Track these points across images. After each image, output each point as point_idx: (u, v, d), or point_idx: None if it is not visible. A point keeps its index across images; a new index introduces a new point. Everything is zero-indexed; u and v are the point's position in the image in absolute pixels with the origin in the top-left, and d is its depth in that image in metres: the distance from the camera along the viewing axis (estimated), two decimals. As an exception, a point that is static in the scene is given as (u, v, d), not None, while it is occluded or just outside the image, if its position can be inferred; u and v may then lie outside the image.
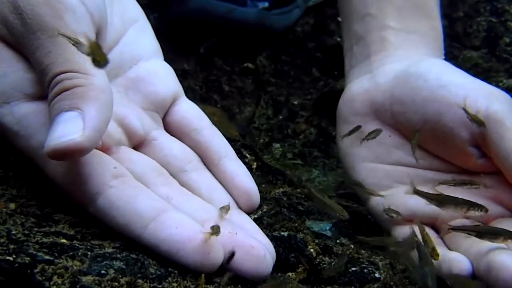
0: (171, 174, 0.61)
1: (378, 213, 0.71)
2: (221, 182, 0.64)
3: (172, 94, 0.66)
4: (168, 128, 0.66)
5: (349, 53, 0.78)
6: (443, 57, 0.77)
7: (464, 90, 0.66)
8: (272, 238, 0.60)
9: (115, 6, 0.64)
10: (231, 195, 0.63)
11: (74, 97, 0.51)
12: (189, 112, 0.67)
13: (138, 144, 0.63)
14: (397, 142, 0.71)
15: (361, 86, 0.74)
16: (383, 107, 0.71)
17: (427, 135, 0.68)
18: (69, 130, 0.49)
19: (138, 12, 0.68)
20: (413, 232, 0.60)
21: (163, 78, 0.66)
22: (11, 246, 0.48)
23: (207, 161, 0.65)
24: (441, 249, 0.62)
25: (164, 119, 0.66)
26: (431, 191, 0.66)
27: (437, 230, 0.67)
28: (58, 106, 0.51)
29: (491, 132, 0.64)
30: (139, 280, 0.48)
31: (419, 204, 0.67)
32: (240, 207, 0.63)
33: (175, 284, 0.49)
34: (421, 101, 0.68)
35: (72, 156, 0.50)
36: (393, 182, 0.70)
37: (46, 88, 0.53)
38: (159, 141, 0.64)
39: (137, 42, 0.65)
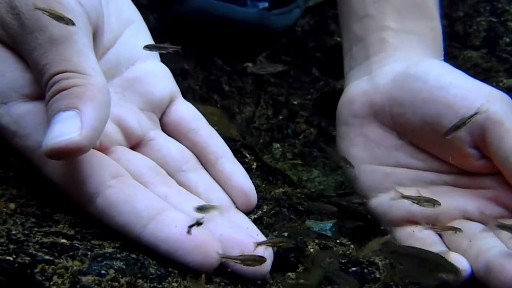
0: (168, 174, 0.61)
1: (377, 214, 0.71)
2: (219, 182, 0.64)
3: (169, 94, 0.67)
4: (165, 129, 0.66)
5: (348, 54, 0.78)
6: (443, 57, 0.77)
7: (463, 91, 0.66)
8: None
9: (111, 7, 0.64)
10: (228, 195, 0.63)
11: (72, 97, 0.51)
12: (186, 113, 0.67)
13: (136, 144, 0.63)
14: (396, 143, 0.71)
15: (360, 87, 0.73)
16: (383, 109, 0.71)
17: (426, 136, 0.68)
18: (66, 129, 0.49)
19: (134, 13, 0.68)
20: None
21: (160, 79, 0.67)
22: (11, 246, 0.48)
23: (205, 161, 0.65)
24: (441, 250, 0.63)
25: (161, 120, 0.66)
26: (430, 193, 0.66)
27: (436, 230, 0.67)
28: (55, 106, 0.51)
29: (491, 133, 0.64)
30: (139, 280, 0.48)
31: (419, 206, 0.67)
32: (237, 207, 0.63)
33: (175, 284, 0.49)
34: (421, 102, 0.68)
35: (70, 155, 0.50)
36: (393, 183, 0.70)
37: (44, 88, 0.53)
38: (157, 141, 0.64)
39: (134, 43, 0.65)
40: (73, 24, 0.53)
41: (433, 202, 0.63)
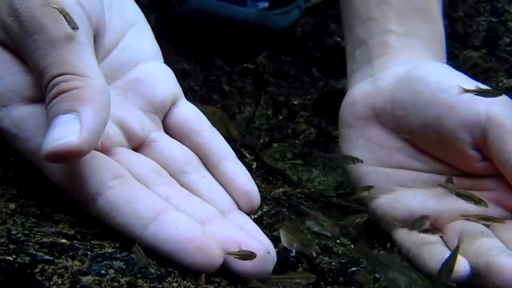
0: (171, 176, 0.61)
1: (379, 215, 0.71)
2: (221, 183, 0.63)
3: (171, 96, 0.66)
4: (168, 130, 0.66)
5: (351, 57, 0.78)
6: (445, 60, 0.77)
7: (464, 93, 0.66)
8: (272, 238, 0.60)
9: (114, 8, 0.63)
10: (231, 196, 0.63)
11: (71, 100, 0.51)
12: (189, 114, 0.67)
13: (138, 146, 0.63)
14: (398, 145, 0.71)
15: (363, 90, 0.74)
16: (384, 111, 0.71)
17: (428, 138, 0.68)
18: (65, 132, 0.49)
19: (137, 14, 0.67)
20: None
21: (162, 80, 0.66)
22: (11, 246, 0.48)
23: (207, 163, 0.64)
24: (440, 249, 0.63)
25: (163, 121, 0.66)
26: (432, 194, 0.66)
27: (436, 230, 0.67)
28: (55, 109, 0.51)
29: (492, 135, 0.64)
30: (139, 280, 0.48)
31: (420, 207, 0.67)
32: (240, 208, 0.63)
33: (175, 284, 0.49)
34: (422, 104, 0.68)
35: (69, 158, 0.50)
36: (395, 185, 0.71)
37: (44, 90, 0.53)
38: (159, 142, 0.63)
39: (137, 44, 0.65)
40: (77, 28, 0.53)
41: (481, 202, 0.63)
